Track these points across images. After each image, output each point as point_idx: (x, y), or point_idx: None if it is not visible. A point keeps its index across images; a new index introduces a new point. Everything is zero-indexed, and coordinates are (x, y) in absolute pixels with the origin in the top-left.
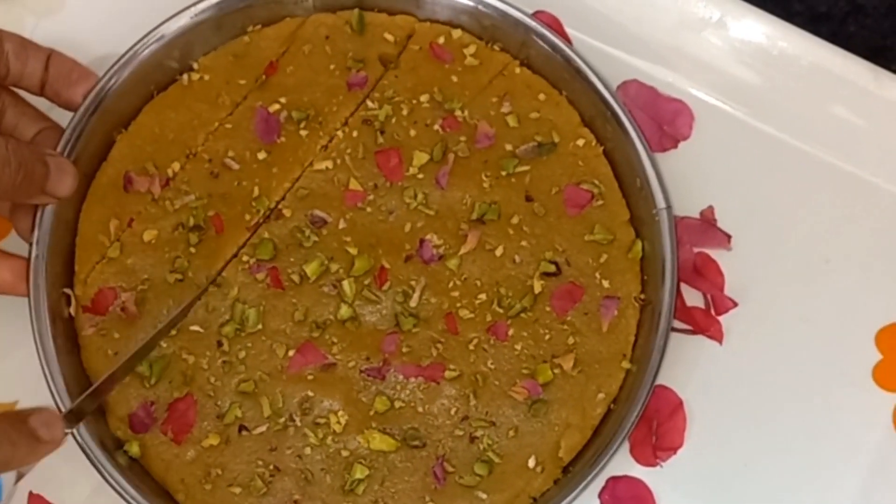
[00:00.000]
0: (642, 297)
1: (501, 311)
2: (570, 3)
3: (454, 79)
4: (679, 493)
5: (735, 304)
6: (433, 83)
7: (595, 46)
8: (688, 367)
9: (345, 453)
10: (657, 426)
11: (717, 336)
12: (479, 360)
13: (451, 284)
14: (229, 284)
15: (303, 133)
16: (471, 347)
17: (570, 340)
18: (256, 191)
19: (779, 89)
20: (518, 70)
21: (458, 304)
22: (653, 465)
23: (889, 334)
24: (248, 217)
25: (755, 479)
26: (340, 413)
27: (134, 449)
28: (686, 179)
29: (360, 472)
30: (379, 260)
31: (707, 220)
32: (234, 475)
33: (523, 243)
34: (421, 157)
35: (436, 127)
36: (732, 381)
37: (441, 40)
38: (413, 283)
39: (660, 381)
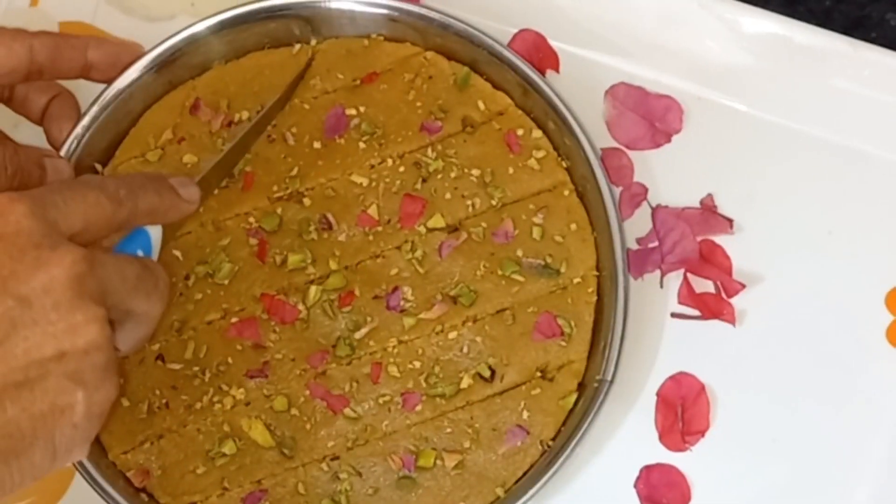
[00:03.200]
0: (550, 443)
1: (424, 385)
2: (552, 18)
3: (510, 170)
4: (712, 474)
5: (743, 286)
6: (491, 164)
7: (580, 55)
8: (705, 351)
9: (226, 427)
10: (682, 412)
11: (731, 318)
12: (380, 415)
13: (396, 340)
14: (225, 233)
15: (361, 145)
16: (379, 401)
17: (466, 444)
18: (295, 171)
19: (762, 73)
20: (567, 193)
21: (391, 360)
22: (682, 449)
23: None
24: (275, 188)
25: (784, 452)
26: (242, 391)
27: None
28: (683, 171)
29: (228, 448)
30: (352, 284)
31: (708, 208)
32: (134, 393)
33: (477, 339)
34: (438, 221)
35: (468, 202)
36: (751, 361)
37: (520, 132)
38: (368, 319)
39: (680, 367)
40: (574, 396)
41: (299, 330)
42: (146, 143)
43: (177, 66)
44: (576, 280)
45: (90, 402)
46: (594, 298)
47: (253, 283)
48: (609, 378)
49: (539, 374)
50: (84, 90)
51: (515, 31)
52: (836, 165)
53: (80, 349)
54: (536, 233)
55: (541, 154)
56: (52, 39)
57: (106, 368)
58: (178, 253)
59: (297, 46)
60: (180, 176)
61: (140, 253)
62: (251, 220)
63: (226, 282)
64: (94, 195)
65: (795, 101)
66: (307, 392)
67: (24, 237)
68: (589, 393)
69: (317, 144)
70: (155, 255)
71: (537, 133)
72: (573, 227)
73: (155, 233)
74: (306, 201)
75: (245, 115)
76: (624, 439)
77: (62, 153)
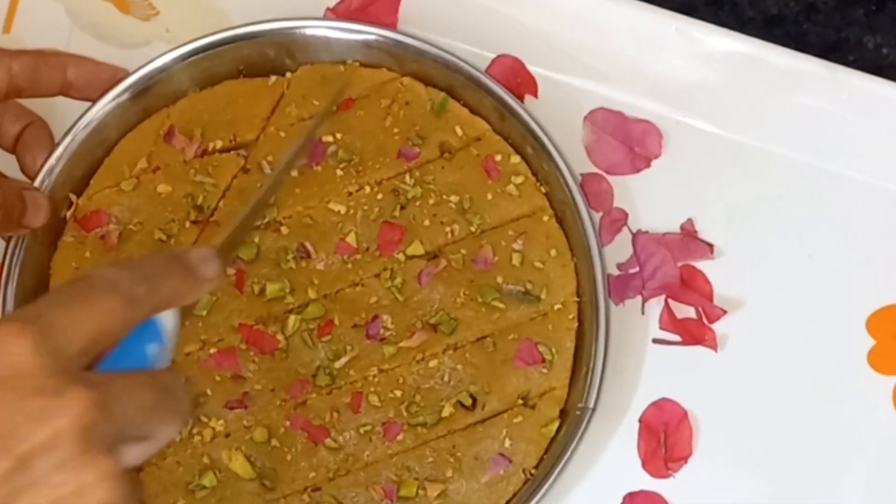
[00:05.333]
0: (532, 471)
1: (406, 415)
2: (530, 43)
3: (489, 196)
4: (695, 500)
5: (724, 312)
6: (469, 190)
7: (558, 80)
8: (688, 377)
9: (206, 459)
10: (665, 438)
11: (712, 344)
12: (361, 445)
13: (376, 369)
14: None
15: (338, 172)
16: (360, 431)
17: (448, 473)
18: (273, 199)
19: (740, 97)
20: (546, 218)
21: (372, 389)
22: (665, 476)
23: (879, 319)
24: None
25: (767, 477)
26: (221, 423)
27: None
28: (663, 196)
29: (208, 480)
30: (332, 313)
31: (688, 233)
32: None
33: (458, 367)
34: (417, 248)
35: (447, 229)
36: (733, 386)
37: (498, 158)
38: (348, 348)
39: (663, 393)
40: (556, 424)
41: (279, 360)
42: (121, 172)
43: (151, 93)
44: (556, 306)
45: None
46: (575, 325)
47: (231, 314)
48: (591, 405)
49: (521, 401)
50: (58, 118)
51: (493, 56)
52: (815, 189)
53: None
54: (516, 259)
55: (519, 180)
56: (31, 59)
57: None
58: None
59: (273, 78)
60: (200, 249)
61: (150, 348)
62: None
63: (204, 312)
64: (108, 303)
65: (774, 125)
66: (287, 423)
67: (27, 381)
68: (571, 420)
69: (293, 172)
70: (172, 343)
71: (515, 158)
72: (553, 252)
73: (169, 321)
74: (284, 230)
75: (219, 143)
76: (607, 466)
77: (37, 183)
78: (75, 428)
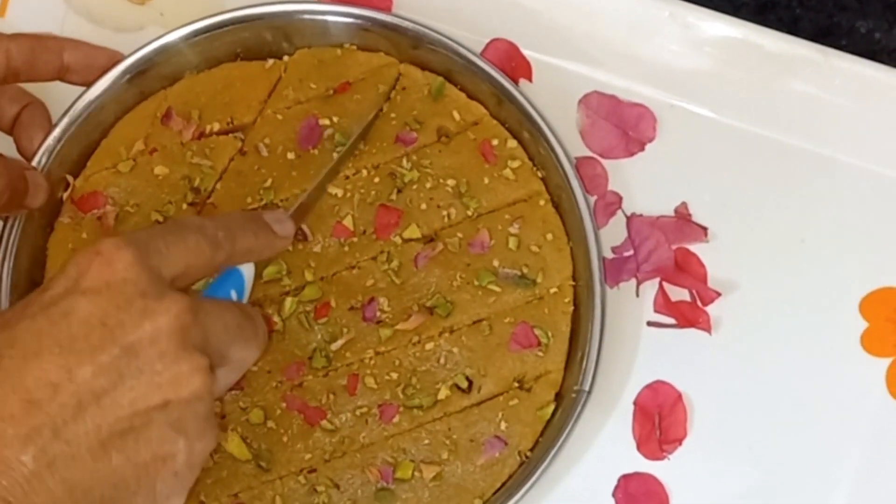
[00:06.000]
0: (528, 453)
1: (402, 397)
2: (524, 27)
3: (486, 180)
4: (689, 482)
5: (718, 294)
6: (466, 174)
7: (553, 64)
8: (682, 359)
9: None
10: (660, 420)
11: (706, 327)
12: (357, 427)
13: (372, 351)
14: None
15: (335, 155)
16: (357, 413)
17: (444, 455)
18: (269, 182)
19: (734, 81)
20: (542, 203)
21: (368, 371)
22: (660, 458)
23: (872, 301)
24: (249, 200)
25: (760, 459)
26: (217, 404)
27: None
28: (657, 179)
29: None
30: (328, 296)
31: (682, 216)
32: None
33: (454, 350)
34: (414, 231)
35: (444, 212)
36: (727, 368)
37: (495, 142)
38: (344, 330)
39: (657, 376)
40: (552, 407)
41: (275, 342)
42: (118, 154)
43: (148, 76)
44: (552, 290)
45: (191, 452)
46: (571, 308)
47: None
48: (587, 389)
49: (516, 384)
50: (55, 101)
51: (488, 40)
52: (808, 173)
53: (184, 399)
54: (512, 243)
55: (516, 164)
56: (28, 42)
57: (207, 418)
58: None
59: (271, 61)
60: (275, 211)
61: (234, 293)
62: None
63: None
64: (195, 239)
65: (767, 109)
66: (284, 404)
67: (131, 286)
68: (567, 403)
69: (290, 155)
70: (247, 294)
71: (512, 143)
72: (549, 237)
73: (248, 271)
74: None
75: (216, 125)
76: (602, 448)
77: (34, 163)
78: (174, 326)
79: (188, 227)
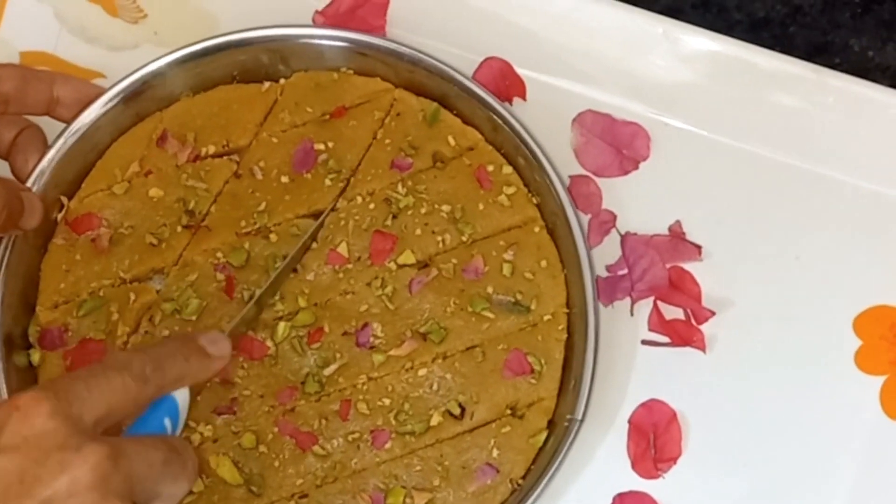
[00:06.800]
0: (520, 481)
1: (394, 423)
2: (519, 45)
3: (481, 206)
4: (684, 500)
5: (713, 313)
6: (461, 200)
7: (547, 82)
8: (677, 378)
9: None
10: (654, 439)
11: (701, 345)
12: (349, 453)
13: (365, 377)
14: (193, 268)
15: (328, 181)
16: (349, 438)
17: (436, 482)
18: (263, 205)
19: (728, 100)
20: (537, 230)
21: (361, 397)
22: (655, 477)
23: (865, 319)
24: (243, 224)
25: (755, 478)
26: (209, 428)
27: (35, 357)
28: (651, 198)
29: (196, 485)
30: (322, 321)
31: (676, 235)
32: None
33: (447, 376)
34: (408, 258)
35: (439, 238)
36: (722, 387)
37: (490, 168)
38: (337, 356)
39: (652, 394)
40: (544, 434)
41: (268, 366)
42: (113, 175)
43: (144, 98)
44: (546, 317)
45: None
46: (564, 336)
47: (220, 319)
48: (580, 417)
49: (509, 411)
50: (50, 123)
51: (482, 58)
52: (802, 191)
53: None
54: (507, 269)
55: (511, 190)
56: (19, 71)
57: None
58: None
59: (267, 84)
60: (210, 332)
61: (167, 421)
62: (218, 255)
63: (193, 318)
64: (119, 379)
65: (761, 127)
66: (276, 429)
67: (49, 439)
68: (559, 431)
69: (284, 179)
70: (182, 418)
71: (508, 169)
72: (543, 263)
73: (181, 396)
74: (273, 237)
75: (212, 148)
76: (596, 467)
77: (28, 184)
78: (92, 476)
79: (112, 367)
